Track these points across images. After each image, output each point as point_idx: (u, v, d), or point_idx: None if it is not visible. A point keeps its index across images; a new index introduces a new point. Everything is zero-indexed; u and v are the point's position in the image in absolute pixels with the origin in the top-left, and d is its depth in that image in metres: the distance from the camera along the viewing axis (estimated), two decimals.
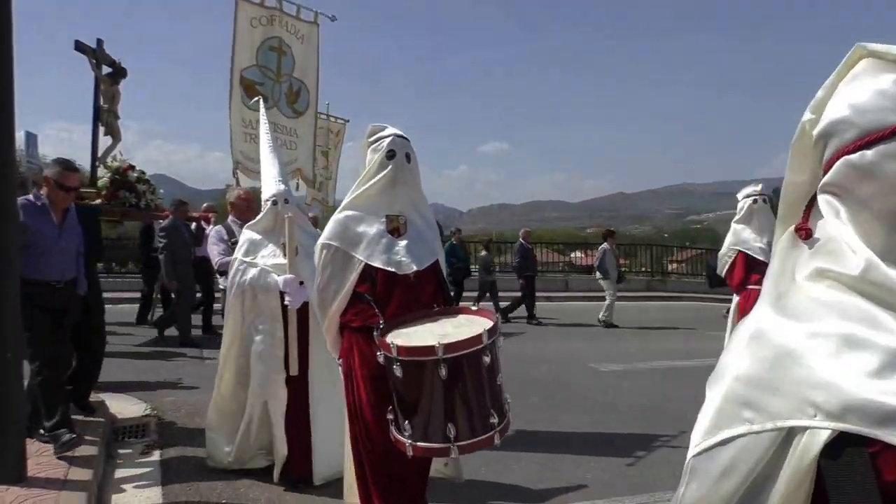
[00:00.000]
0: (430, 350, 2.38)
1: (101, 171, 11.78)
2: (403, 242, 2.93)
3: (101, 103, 11.84)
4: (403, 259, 2.88)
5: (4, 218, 3.73)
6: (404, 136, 2.99)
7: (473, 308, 2.87)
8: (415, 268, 2.88)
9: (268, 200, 4.17)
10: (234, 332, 4.22)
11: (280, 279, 3.95)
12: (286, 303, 3.93)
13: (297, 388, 4.05)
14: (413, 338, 2.54)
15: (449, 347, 2.36)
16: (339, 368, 3.06)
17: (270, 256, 4.08)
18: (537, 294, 13.04)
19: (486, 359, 2.43)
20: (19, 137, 13.38)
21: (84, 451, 4.25)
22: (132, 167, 11.81)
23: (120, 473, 4.35)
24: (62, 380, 4.46)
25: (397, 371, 2.46)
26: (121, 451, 4.77)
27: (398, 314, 2.78)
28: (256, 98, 6.04)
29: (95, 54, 11.69)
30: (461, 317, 2.78)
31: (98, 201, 10.88)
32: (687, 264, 23.10)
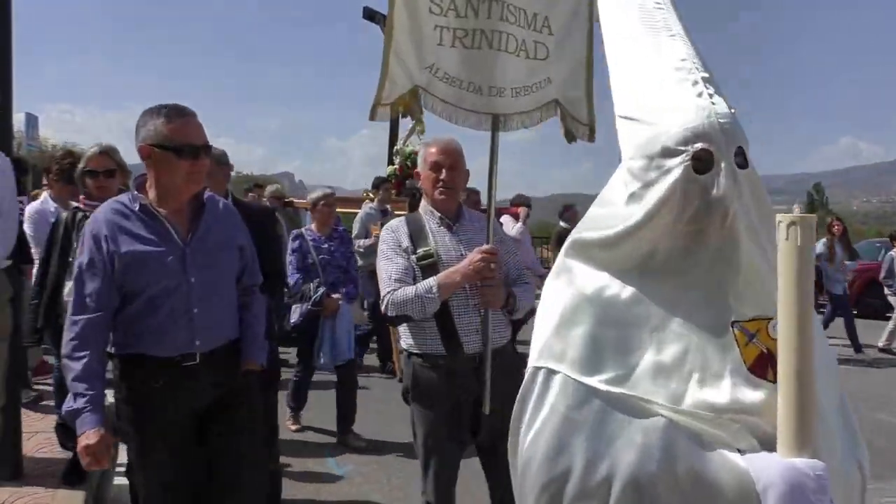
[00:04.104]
0: None
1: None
2: None
3: None
4: None
5: None
6: None
7: None
8: None
9: (686, 150, 1.36)
10: None
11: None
12: None
13: None
14: None
15: None
16: None
17: (700, 382, 1.33)
18: None
19: None
20: (19, 119, 13.12)
21: None
22: None
23: (119, 467, 4.28)
24: None
25: None
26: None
27: None
28: None
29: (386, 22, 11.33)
30: None
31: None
32: None
